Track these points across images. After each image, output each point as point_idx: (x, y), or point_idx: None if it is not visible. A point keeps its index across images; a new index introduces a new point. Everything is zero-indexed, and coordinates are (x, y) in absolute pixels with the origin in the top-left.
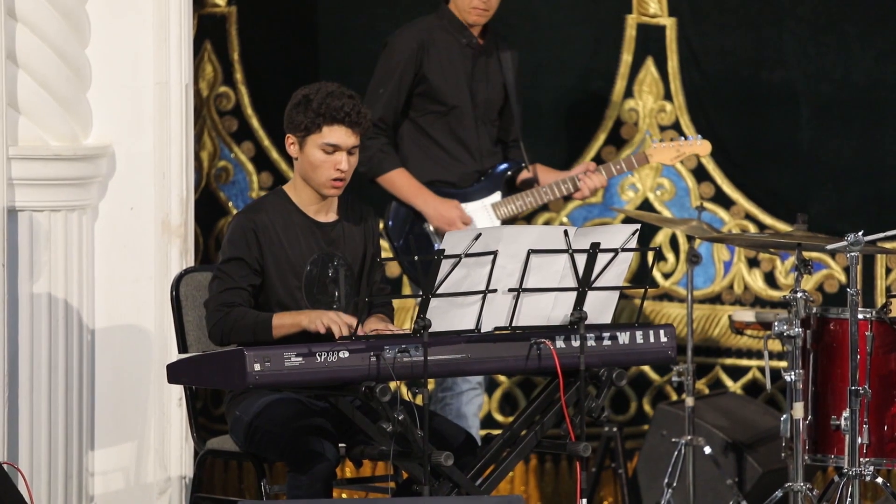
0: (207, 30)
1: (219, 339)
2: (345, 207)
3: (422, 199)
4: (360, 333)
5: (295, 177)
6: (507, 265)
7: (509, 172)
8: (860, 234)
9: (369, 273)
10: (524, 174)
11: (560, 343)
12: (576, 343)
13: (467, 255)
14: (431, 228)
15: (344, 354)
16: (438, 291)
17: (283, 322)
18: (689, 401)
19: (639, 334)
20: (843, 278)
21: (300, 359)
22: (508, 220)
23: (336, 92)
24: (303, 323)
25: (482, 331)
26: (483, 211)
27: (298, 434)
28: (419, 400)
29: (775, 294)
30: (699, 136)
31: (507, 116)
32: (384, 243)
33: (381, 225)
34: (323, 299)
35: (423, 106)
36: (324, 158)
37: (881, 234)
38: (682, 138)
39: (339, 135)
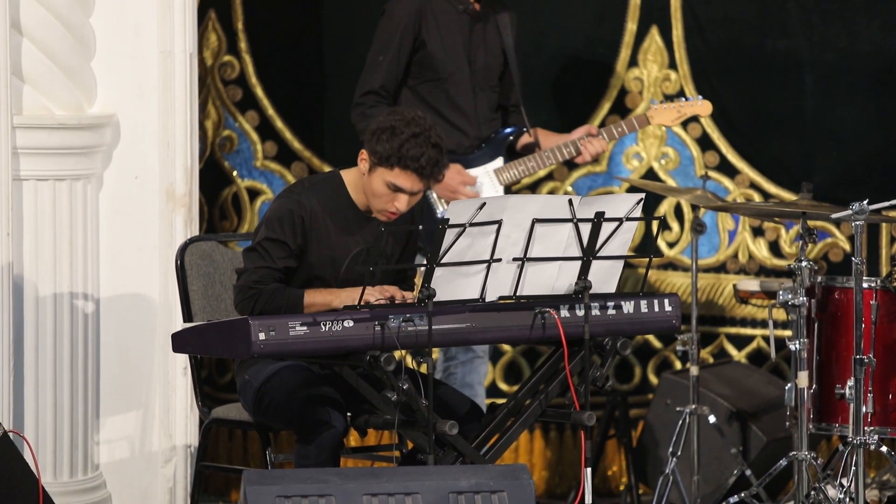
0: None
1: (249, 312)
2: None
3: None
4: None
5: (359, 176)
6: (512, 234)
7: (511, 137)
8: (865, 202)
9: (400, 258)
10: (525, 138)
11: (564, 312)
12: (580, 312)
13: (472, 225)
14: (435, 195)
15: (348, 324)
16: (443, 261)
17: (315, 301)
18: (694, 370)
19: (643, 303)
20: (847, 247)
21: (305, 328)
22: (511, 185)
23: (422, 137)
24: (334, 304)
25: (486, 300)
26: (485, 176)
27: (306, 404)
28: (424, 369)
29: (780, 263)
30: (700, 96)
31: (508, 81)
32: None
33: None
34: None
35: (421, 73)
36: (385, 193)
37: (886, 203)
38: (683, 99)
39: (408, 182)
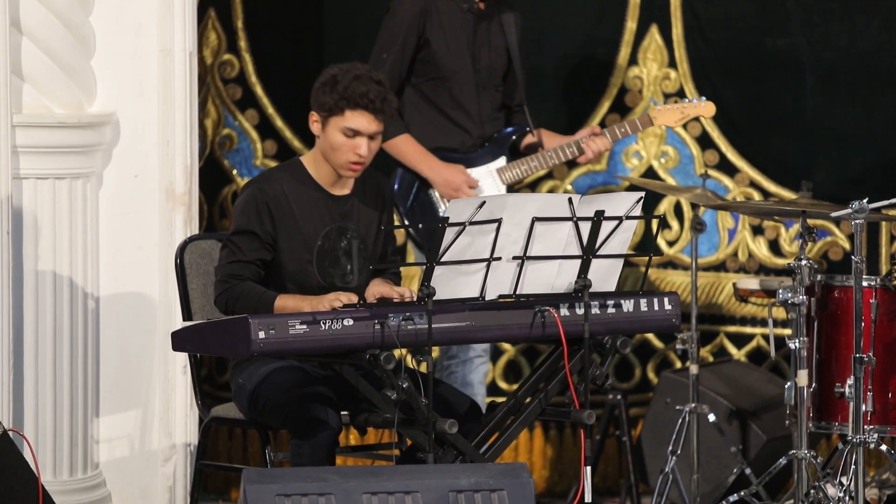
0: None
1: (223, 309)
2: (361, 180)
3: (427, 166)
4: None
5: (315, 151)
6: (512, 233)
7: (514, 137)
8: (864, 201)
9: (382, 244)
10: (528, 138)
11: (564, 311)
12: (580, 311)
13: (471, 223)
14: (437, 195)
15: (348, 322)
16: (443, 259)
17: (286, 304)
18: (694, 368)
19: (643, 302)
20: (847, 246)
21: (304, 326)
22: (513, 185)
23: (364, 76)
24: (304, 310)
25: (486, 299)
26: (488, 176)
27: (301, 401)
28: (423, 367)
29: (780, 262)
30: (703, 97)
31: (512, 81)
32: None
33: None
34: (335, 272)
35: (425, 71)
36: (344, 141)
37: (886, 202)
38: (686, 100)
39: (361, 120)
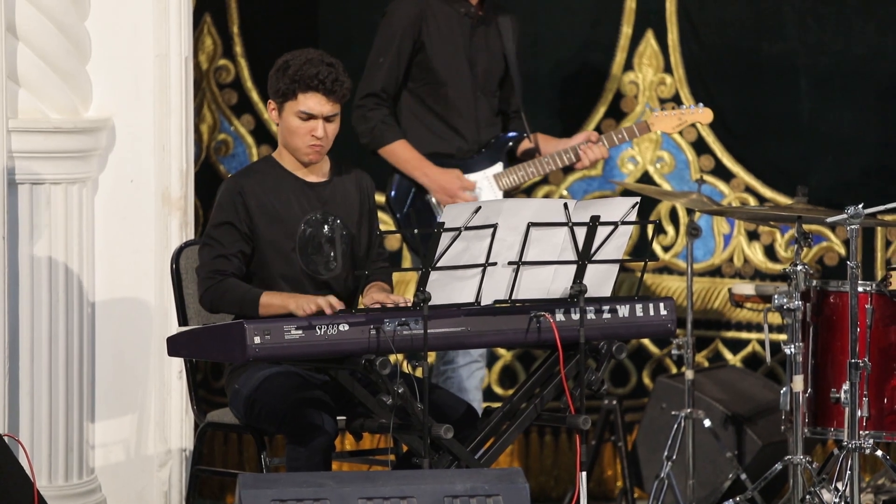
0: (207, 2)
1: (208, 307)
2: (337, 167)
3: (422, 171)
4: (360, 305)
5: (279, 142)
6: (507, 238)
7: (511, 143)
8: (860, 206)
9: (368, 234)
10: (525, 144)
11: (560, 316)
12: (575, 316)
13: (467, 228)
14: (434, 200)
15: (344, 327)
16: (438, 264)
17: (272, 302)
18: (689, 374)
19: (638, 307)
20: (842, 251)
21: (300, 332)
22: (510, 191)
23: (315, 59)
24: (290, 307)
25: (482, 304)
26: (485, 181)
27: (297, 407)
28: (419, 373)
29: (775, 267)
30: (700, 104)
31: (509, 87)
32: (386, 217)
33: (384, 198)
34: (318, 259)
35: (421, 76)
36: (300, 125)
37: (881, 207)
38: (684, 106)
39: (314, 102)
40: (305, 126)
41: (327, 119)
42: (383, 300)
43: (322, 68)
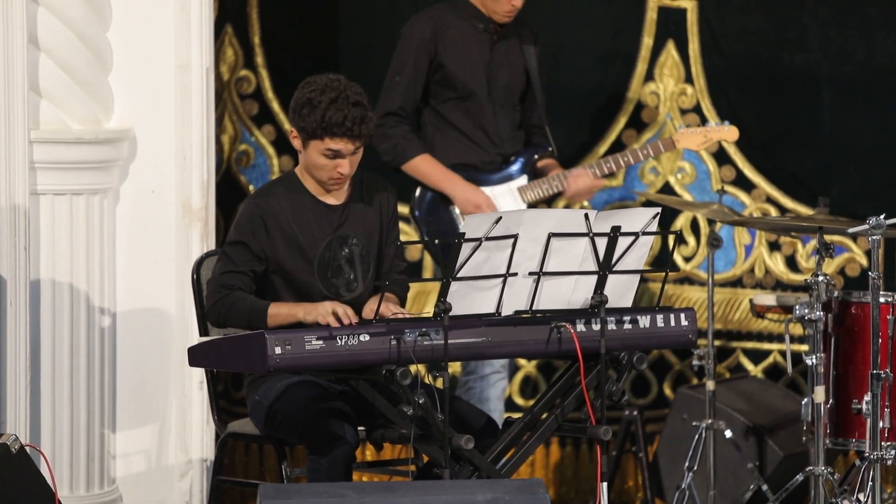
0: (228, 13)
1: (215, 320)
2: (358, 186)
3: (449, 183)
4: (372, 315)
5: (301, 163)
6: (528, 248)
7: (536, 157)
8: (882, 217)
9: (388, 249)
10: (545, 160)
11: (580, 326)
12: (596, 327)
13: (488, 239)
14: (458, 212)
15: (364, 338)
16: (459, 275)
17: (280, 311)
18: (710, 384)
19: (659, 318)
20: (864, 262)
21: (321, 342)
22: (534, 204)
23: (340, 100)
24: (298, 315)
25: (503, 314)
26: (508, 194)
27: (318, 417)
28: (440, 383)
29: (796, 278)
30: (726, 121)
31: (531, 101)
32: (408, 228)
33: (408, 209)
34: (339, 282)
35: (442, 93)
36: (325, 162)
37: None
38: (710, 123)
39: (341, 145)
40: (331, 163)
41: (352, 153)
42: (383, 312)
43: (349, 111)
